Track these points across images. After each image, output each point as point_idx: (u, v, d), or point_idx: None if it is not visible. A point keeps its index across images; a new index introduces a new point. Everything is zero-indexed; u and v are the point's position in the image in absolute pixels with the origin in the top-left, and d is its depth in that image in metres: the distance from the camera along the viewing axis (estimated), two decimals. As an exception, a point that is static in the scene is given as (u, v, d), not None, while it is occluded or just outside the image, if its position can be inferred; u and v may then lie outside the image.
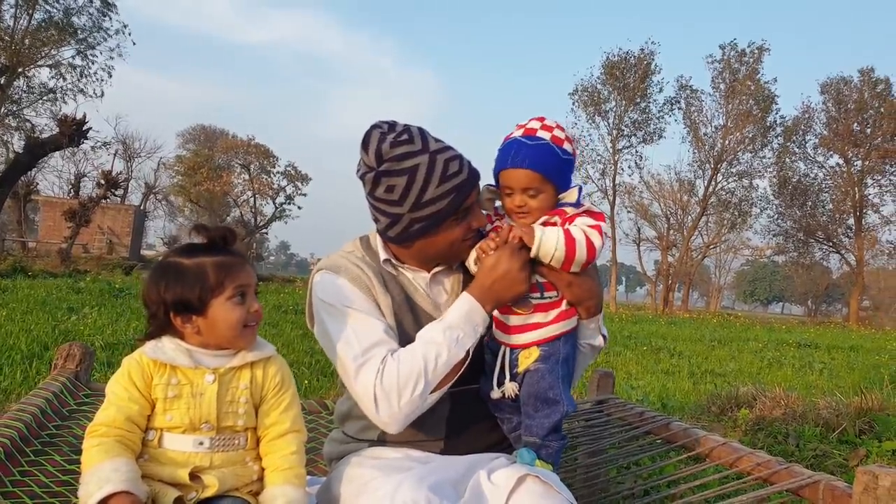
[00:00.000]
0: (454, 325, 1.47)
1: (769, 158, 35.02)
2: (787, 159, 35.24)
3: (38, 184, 33.91)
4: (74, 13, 23.05)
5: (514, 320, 1.55)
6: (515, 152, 1.50)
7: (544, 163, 1.49)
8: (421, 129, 1.54)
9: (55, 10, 22.61)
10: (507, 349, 1.55)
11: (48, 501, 1.66)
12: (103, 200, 25.74)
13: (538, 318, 1.53)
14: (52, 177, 46.51)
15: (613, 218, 34.54)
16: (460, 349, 1.45)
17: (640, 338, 12.61)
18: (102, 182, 25.13)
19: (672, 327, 18.07)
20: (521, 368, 1.52)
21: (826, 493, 1.57)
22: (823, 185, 36.00)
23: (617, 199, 34.85)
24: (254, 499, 1.36)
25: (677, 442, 2.17)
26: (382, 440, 1.60)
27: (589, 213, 1.53)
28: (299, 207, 42.36)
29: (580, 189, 1.55)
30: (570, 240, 1.45)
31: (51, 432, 2.02)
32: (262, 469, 1.39)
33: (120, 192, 34.91)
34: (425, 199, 1.47)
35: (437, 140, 1.54)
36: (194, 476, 1.31)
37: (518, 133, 1.54)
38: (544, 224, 1.51)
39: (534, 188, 1.50)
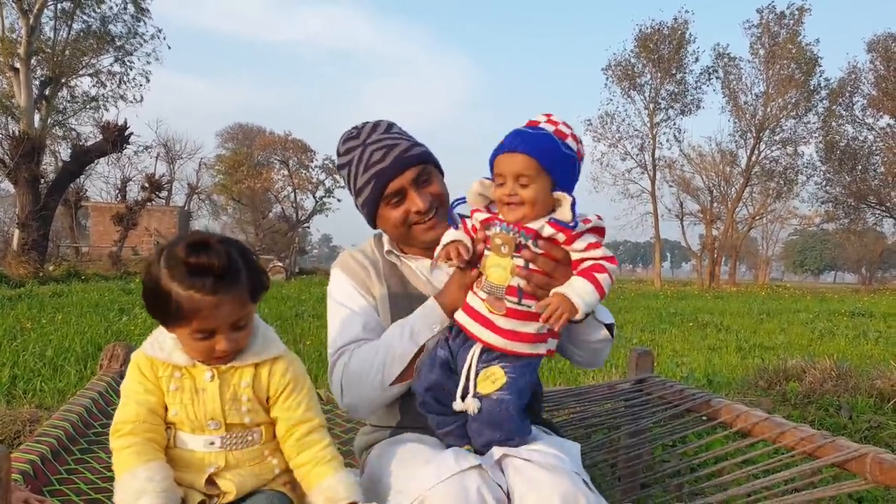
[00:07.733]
0: (410, 321, 1.54)
1: (814, 123, 33.94)
2: (834, 123, 33.99)
3: (87, 190, 34.81)
4: (110, 21, 23.50)
5: (489, 316, 1.41)
6: (513, 139, 1.40)
7: (540, 149, 1.38)
8: (378, 124, 1.63)
9: (92, 20, 23.09)
10: (475, 356, 1.43)
11: (94, 498, 1.71)
12: (149, 203, 26.42)
13: (512, 325, 1.40)
14: (99, 183, 47.96)
15: (654, 193, 33.98)
16: (412, 344, 1.50)
17: (686, 314, 12.40)
18: (146, 185, 25.79)
19: (719, 302, 17.73)
20: (484, 391, 1.41)
21: (874, 466, 1.52)
22: (874, 148, 34.61)
23: (657, 173, 34.27)
24: (290, 490, 1.35)
25: (718, 418, 2.13)
26: (403, 426, 1.64)
27: (594, 230, 1.41)
28: (339, 200, 42.82)
29: (574, 202, 1.38)
30: (597, 285, 1.37)
31: (96, 430, 2.07)
32: (283, 462, 1.37)
33: (164, 193, 35.82)
34: (358, 187, 1.61)
35: (390, 135, 1.59)
36: (211, 482, 1.29)
37: (522, 126, 1.45)
38: (545, 234, 1.39)
39: (526, 176, 1.37)
